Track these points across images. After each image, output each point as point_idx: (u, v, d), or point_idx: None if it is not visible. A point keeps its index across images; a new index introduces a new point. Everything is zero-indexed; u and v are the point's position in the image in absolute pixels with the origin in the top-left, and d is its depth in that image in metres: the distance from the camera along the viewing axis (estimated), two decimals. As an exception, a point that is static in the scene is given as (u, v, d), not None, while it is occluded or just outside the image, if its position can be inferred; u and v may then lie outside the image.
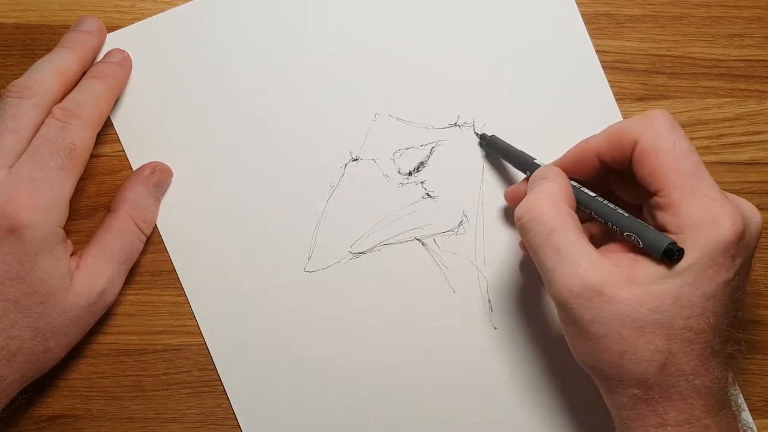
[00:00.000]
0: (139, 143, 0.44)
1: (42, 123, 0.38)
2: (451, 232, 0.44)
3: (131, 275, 0.44)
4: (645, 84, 0.45)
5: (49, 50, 0.43)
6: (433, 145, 0.44)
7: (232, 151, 0.44)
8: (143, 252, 0.44)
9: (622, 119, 0.45)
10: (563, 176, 0.38)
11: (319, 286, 0.44)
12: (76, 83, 0.41)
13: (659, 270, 0.34)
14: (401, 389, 0.44)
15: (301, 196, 0.44)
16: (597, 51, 0.45)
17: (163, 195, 0.44)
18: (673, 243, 0.33)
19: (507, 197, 0.43)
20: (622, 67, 0.45)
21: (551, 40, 0.45)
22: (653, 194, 0.35)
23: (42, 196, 0.37)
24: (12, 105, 0.38)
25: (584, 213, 0.38)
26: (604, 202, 0.37)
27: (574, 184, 0.39)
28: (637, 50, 0.45)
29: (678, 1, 0.45)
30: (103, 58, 0.43)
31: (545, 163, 0.40)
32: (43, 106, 0.39)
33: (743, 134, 0.45)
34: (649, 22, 0.45)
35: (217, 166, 0.44)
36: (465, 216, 0.44)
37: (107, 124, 0.44)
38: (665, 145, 0.35)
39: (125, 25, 0.44)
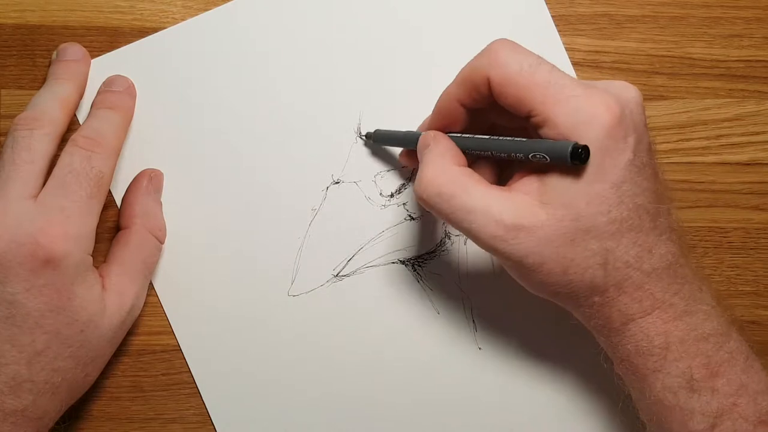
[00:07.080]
0: (118, 170, 0.43)
1: (53, 153, 0.38)
2: (434, 253, 0.44)
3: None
4: (645, 84, 0.45)
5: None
6: (414, 166, 0.44)
7: (214, 176, 0.44)
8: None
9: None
10: (441, 137, 0.38)
11: (303, 309, 0.44)
12: (74, 111, 0.41)
13: (565, 181, 0.34)
14: (386, 411, 0.44)
15: (283, 220, 0.44)
16: (597, 51, 0.45)
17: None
18: (576, 144, 0.33)
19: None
20: (622, 67, 0.45)
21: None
22: (527, 117, 0.35)
23: (73, 225, 0.37)
24: (23, 137, 0.38)
25: (473, 157, 0.38)
26: (496, 138, 0.37)
27: (459, 135, 0.39)
28: (637, 50, 0.45)
29: (678, 1, 0.45)
30: (105, 86, 0.42)
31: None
32: (54, 136, 0.39)
33: (743, 135, 0.45)
34: (649, 23, 0.45)
35: (200, 191, 0.44)
36: (447, 237, 0.44)
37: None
38: (514, 69, 0.35)
39: (125, 26, 0.44)
